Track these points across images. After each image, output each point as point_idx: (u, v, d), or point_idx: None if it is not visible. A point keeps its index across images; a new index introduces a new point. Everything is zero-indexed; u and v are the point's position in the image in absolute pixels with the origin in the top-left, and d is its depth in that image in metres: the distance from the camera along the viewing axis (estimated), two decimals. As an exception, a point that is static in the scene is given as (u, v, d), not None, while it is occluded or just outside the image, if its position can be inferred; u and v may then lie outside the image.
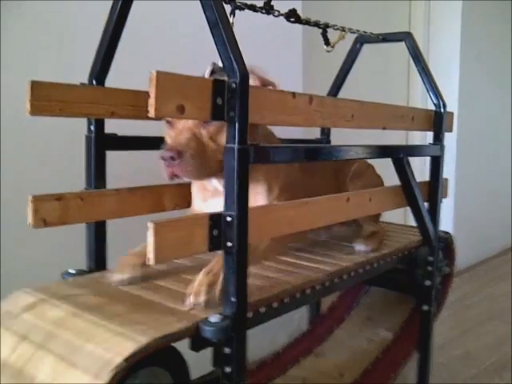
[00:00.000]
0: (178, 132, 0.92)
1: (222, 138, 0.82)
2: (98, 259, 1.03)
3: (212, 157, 0.92)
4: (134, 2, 0.97)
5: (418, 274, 1.36)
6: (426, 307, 1.39)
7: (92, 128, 1.00)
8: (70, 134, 1.12)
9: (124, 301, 0.86)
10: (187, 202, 1.14)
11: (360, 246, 1.22)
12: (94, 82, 1.00)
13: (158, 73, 0.68)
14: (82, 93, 0.94)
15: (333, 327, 1.63)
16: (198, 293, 0.82)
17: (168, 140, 0.95)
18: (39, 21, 1.25)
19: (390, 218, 1.49)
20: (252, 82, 0.83)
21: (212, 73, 0.95)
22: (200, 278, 0.85)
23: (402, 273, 1.42)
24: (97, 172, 1.02)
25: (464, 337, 2.08)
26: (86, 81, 1.00)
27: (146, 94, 0.68)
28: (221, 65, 0.79)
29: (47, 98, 0.87)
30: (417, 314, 1.46)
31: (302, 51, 1.92)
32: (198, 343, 0.79)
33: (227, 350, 0.80)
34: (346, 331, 1.61)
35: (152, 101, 0.68)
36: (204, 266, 0.88)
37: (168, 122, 0.95)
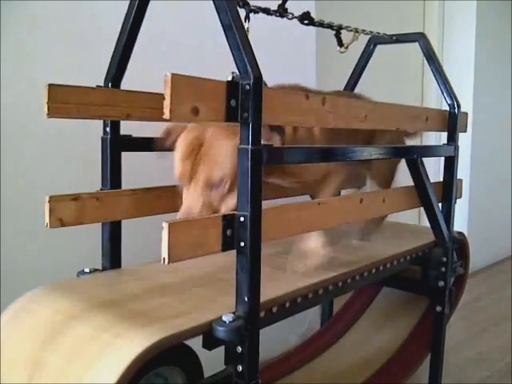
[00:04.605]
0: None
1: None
2: (113, 259, 1.05)
3: None
4: (150, 4, 0.98)
5: (432, 275, 1.36)
6: (439, 308, 1.39)
7: (108, 130, 1.02)
8: (87, 135, 1.14)
9: (137, 299, 0.87)
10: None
11: None
12: (110, 84, 1.01)
13: (173, 75, 0.69)
14: (98, 95, 0.96)
15: (345, 328, 1.64)
16: None
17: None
18: (53, 24, 1.27)
19: (405, 218, 1.49)
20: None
21: None
22: None
23: (415, 273, 1.42)
24: (112, 172, 1.03)
25: (477, 338, 2.07)
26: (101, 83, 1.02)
27: (161, 97, 0.69)
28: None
29: (64, 101, 0.89)
30: (429, 315, 1.46)
31: (315, 52, 1.92)
32: (210, 341, 0.80)
33: (240, 349, 0.80)
34: (358, 332, 1.61)
35: (167, 103, 0.69)
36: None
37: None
